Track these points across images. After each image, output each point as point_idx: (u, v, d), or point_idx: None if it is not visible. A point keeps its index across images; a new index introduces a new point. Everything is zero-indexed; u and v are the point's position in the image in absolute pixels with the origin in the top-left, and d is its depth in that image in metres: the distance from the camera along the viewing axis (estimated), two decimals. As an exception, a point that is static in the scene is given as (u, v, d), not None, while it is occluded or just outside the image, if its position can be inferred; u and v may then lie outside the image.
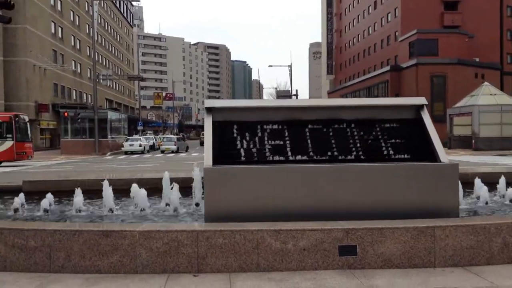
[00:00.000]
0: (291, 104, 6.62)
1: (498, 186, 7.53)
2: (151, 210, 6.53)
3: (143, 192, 6.47)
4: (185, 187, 6.95)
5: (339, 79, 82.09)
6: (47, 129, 50.78)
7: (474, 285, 4.24)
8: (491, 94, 36.66)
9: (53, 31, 51.72)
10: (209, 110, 5.97)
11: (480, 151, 32.61)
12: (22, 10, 42.74)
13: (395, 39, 57.91)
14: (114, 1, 79.94)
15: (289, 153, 5.67)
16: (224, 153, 5.63)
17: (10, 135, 25.02)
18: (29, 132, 27.36)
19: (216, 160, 5.46)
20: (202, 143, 49.15)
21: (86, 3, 62.20)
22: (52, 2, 51.73)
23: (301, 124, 5.93)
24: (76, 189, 6.55)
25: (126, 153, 40.86)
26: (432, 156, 5.79)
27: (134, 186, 6.61)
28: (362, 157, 5.74)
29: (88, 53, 62.29)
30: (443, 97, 45.76)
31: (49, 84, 49.90)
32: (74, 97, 57.69)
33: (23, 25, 44.20)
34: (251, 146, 5.71)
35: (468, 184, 7.46)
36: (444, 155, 5.77)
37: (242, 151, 5.67)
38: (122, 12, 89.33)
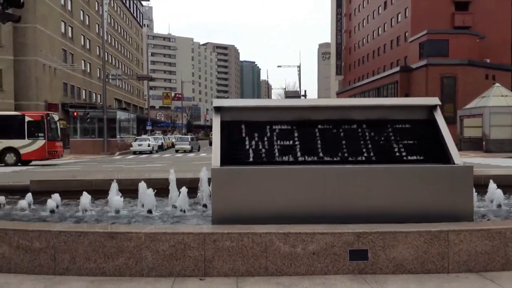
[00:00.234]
0: (300, 104, 6.50)
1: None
2: (158, 212, 6.44)
3: (150, 192, 6.38)
4: (193, 187, 6.86)
5: (348, 79, 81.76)
6: (57, 129, 50.95)
7: (490, 292, 4.10)
8: (502, 96, 36.24)
9: (63, 30, 51.96)
10: (218, 109, 5.87)
11: (491, 153, 32.23)
12: (32, 9, 42.95)
13: (405, 39, 57.52)
14: (124, 1, 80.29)
15: (299, 154, 5.55)
16: (232, 154, 5.52)
17: (42, 134, 25.16)
18: (59, 131, 27.51)
19: (224, 160, 5.35)
20: (211, 143, 50.91)
21: (96, 3, 62.48)
22: (62, 2, 51.98)
23: (311, 124, 5.80)
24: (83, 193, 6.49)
25: (134, 153, 40.96)
26: (446, 158, 5.64)
27: (142, 186, 6.52)
28: (373, 158, 5.60)
29: (97, 53, 62.54)
30: (453, 98, 45.35)
31: (59, 83, 50.14)
32: (84, 97, 57.92)
33: (33, 24, 44.42)
34: (260, 146, 5.60)
35: (479, 187, 7.28)
36: (458, 157, 5.61)
37: (250, 151, 5.55)
38: (132, 12, 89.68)
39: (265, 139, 5.65)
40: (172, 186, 6.60)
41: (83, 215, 6.35)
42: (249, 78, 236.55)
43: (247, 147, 5.59)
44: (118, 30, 77.30)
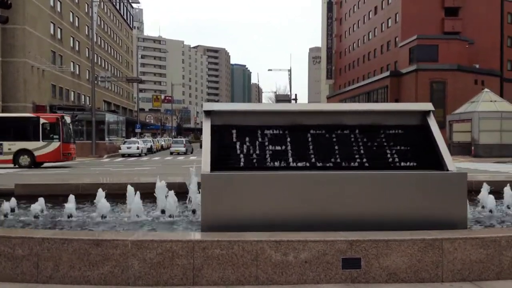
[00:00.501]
0: (293, 108, 6.39)
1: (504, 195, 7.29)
2: (146, 217, 6.28)
3: (138, 197, 6.23)
4: (182, 192, 6.72)
5: (338, 84, 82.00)
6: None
7: (486, 302, 4.01)
8: (491, 101, 36.51)
9: (52, 32, 51.46)
10: (208, 113, 5.74)
11: (480, 158, 32.42)
12: (21, 11, 42.49)
13: (395, 44, 57.82)
14: (114, 3, 79.81)
15: (290, 160, 5.43)
16: (222, 159, 5.39)
17: (57, 136, 25.05)
18: (72, 133, 27.45)
19: (214, 165, 5.22)
20: (202, 146, 52.24)
21: (86, 5, 61.99)
22: (51, 3, 51.49)
23: (303, 129, 5.69)
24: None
25: (123, 155, 40.62)
26: (439, 164, 5.56)
27: (130, 190, 6.35)
28: (366, 164, 5.51)
29: (87, 55, 62.03)
30: (443, 103, 45.62)
31: (47, 85, 49.60)
32: (72, 99, 57.38)
33: (22, 25, 43.92)
34: (251, 151, 5.47)
35: (470, 193, 7.21)
36: (452, 163, 5.54)
37: (241, 156, 5.43)
38: (122, 14, 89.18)
39: (257, 144, 5.53)
40: (161, 192, 6.43)
41: (68, 221, 6.17)
42: (240, 81, 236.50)
43: (238, 152, 5.46)
44: (108, 32, 76.80)
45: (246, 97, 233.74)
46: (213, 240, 4.39)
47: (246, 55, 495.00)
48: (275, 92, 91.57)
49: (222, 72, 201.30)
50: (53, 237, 4.46)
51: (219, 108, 5.86)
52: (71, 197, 6.34)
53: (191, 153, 47.13)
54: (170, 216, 6.20)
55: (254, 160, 5.41)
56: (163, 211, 6.35)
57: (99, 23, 65.15)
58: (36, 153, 24.69)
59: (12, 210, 6.65)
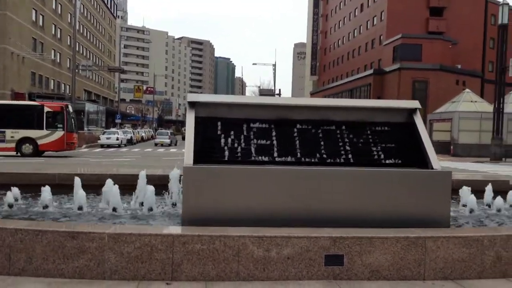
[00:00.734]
0: (279, 102, 6.27)
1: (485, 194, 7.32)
2: (124, 210, 6.11)
3: (116, 189, 6.05)
4: (163, 185, 6.57)
5: (322, 80, 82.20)
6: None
7: (468, 302, 3.98)
8: (471, 101, 37.00)
9: (34, 18, 50.37)
10: (192, 104, 5.59)
11: (459, 157, 32.82)
12: (2, -4, 41.49)
13: (380, 42, 58.12)
14: (97, -9, 78.50)
15: (276, 154, 5.33)
16: (206, 152, 5.25)
17: (61, 125, 24.77)
18: (74, 122, 27.11)
19: (197, 158, 5.09)
20: (184, 138, 53.10)
21: (69, -8, 60.85)
22: (33, -11, 50.41)
23: (289, 123, 5.59)
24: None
25: (102, 146, 40.09)
26: (424, 162, 5.53)
27: (108, 182, 6.18)
28: (351, 161, 5.44)
29: (68, 43, 60.91)
30: (424, 102, 46.01)
31: (27, 72, 48.60)
32: (52, 87, 56.35)
33: (3, 11, 42.90)
34: (236, 145, 5.35)
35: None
36: (437, 162, 5.50)
37: (225, 150, 5.30)
38: (105, 2, 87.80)
39: (241, 137, 5.41)
40: (140, 184, 6.27)
41: (43, 211, 5.98)
42: (224, 74, 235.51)
43: (222, 145, 5.33)
44: (90, 20, 75.54)
45: (230, 90, 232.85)
46: (194, 234, 4.27)
47: (232, 48, 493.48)
48: (259, 87, 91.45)
49: (206, 64, 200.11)
50: (27, 228, 4.28)
51: (204, 100, 5.71)
52: (47, 188, 6.13)
53: (175, 145, 47.40)
54: (149, 209, 6.04)
55: (239, 154, 5.29)
56: (142, 204, 6.20)
57: (82, 10, 64.02)
58: (39, 142, 24.42)
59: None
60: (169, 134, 48.84)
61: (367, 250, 4.45)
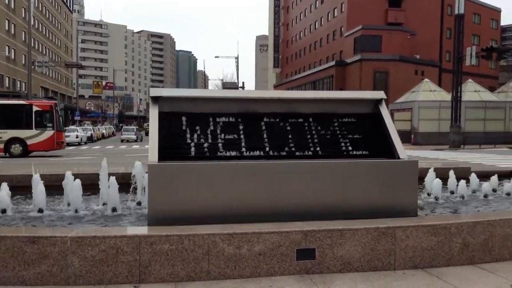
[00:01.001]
0: (246, 95, 6.15)
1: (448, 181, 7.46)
2: (86, 211, 5.87)
3: (78, 189, 5.80)
4: (126, 183, 6.35)
5: (285, 72, 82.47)
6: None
7: (439, 290, 4.00)
8: (430, 91, 37.95)
9: (-16, 13, 48.30)
10: (155, 99, 5.41)
11: (419, 145, 33.66)
12: (-51, -11, 39.51)
13: (341, 34, 58.72)
14: (52, -15, 75.95)
15: (244, 149, 5.23)
16: (171, 148, 5.09)
17: (50, 125, 24.05)
18: (62, 121, 26.46)
19: (162, 155, 4.93)
20: (147, 133, 53.58)
21: (22, -15, 58.63)
22: (-17, -17, 48.26)
23: (256, 117, 5.49)
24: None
25: (61, 144, 38.91)
26: (391, 152, 5.56)
27: (68, 179, 5.90)
28: (320, 153, 5.40)
29: (23, 39, 58.74)
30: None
31: (-21, 69, 46.62)
32: (7, 85, 54.26)
33: (-50, 5, 40.90)
34: (202, 140, 5.21)
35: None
36: (403, 151, 5.55)
37: (191, 145, 5.15)
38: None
39: (208, 132, 5.27)
40: (103, 182, 6.03)
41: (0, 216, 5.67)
42: (185, 68, 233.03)
43: (188, 140, 5.18)
44: (46, 15, 73.06)
45: (192, 84, 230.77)
46: (162, 234, 4.12)
47: (193, 42, 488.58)
48: (222, 80, 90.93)
49: (167, 58, 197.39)
50: (-18, 234, 4.03)
51: (168, 94, 5.53)
52: (4, 187, 5.80)
53: (141, 140, 47.81)
54: (113, 210, 5.83)
55: (205, 149, 5.16)
56: (105, 204, 5.98)
57: (36, 5, 61.79)
58: (28, 142, 23.66)
59: None
60: (135, 130, 49.78)
61: (338, 243, 4.43)
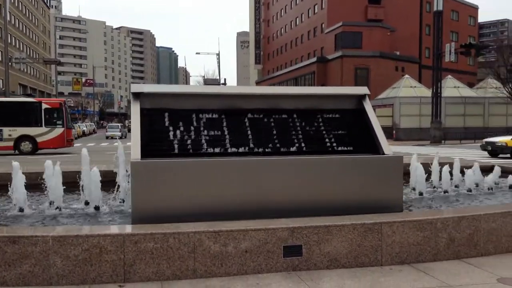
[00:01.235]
0: (229, 91, 6.08)
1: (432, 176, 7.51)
2: (68, 210, 5.74)
3: (59, 187, 5.67)
4: (108, 181, 6.23)
5: (267, 69, 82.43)
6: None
7: (426, 286, 4.01)
8: (411, 87, 38.38)
9: (-42, 8, 47.10)
10: (137, 95, 5.30)
11: (401, 141, 34.03)
12: None
13: (322, 30, 58.89)
14: (29, -21, 74.45)
15: (227, 145, 5.16)
16: (154, 145, 5.01)
17: (60, 122, 24.09)
18: (70, 118, 26.49)
19: (145, 152, 4.83)
20: (129, 130, 54.37)
21: (-3, -20, 57.32)
22: (-44, -24, 47.00)
23: (240, 113, 5.43)
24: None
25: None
26: (375, 148, 5.56)
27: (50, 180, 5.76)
28: (304, 149, 5.37)
29: (0, 35, 57.55)
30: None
31: (-47, 66, 45.47)
32: (-16, 82, 53.15)
33: None
34: (185, 137, 5.13)
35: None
36: (388, 147, 5.55)
37: (175, 142, 5.07)
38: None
39: (191, 129, 5.19)
40: (85, 180, 5.90)
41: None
42: (166, 64, 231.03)
43: (171, 137, 5.10)
44: (22, 10, 71.61)
45: (173, 80, 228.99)
46: (146, 233, 4.04)
47: (173, 38, 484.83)
48: (204, 76, 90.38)
49: (147, 55, 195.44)
50: (-41, 235, 3.90)
51: (150, 90, 5.43)
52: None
53: (125, 137, 48.18)
54: (95, 208, 5.71)
55: (189, 146, 5.08)
56: (87, 203, 5.85)
57: (12, 0, 60.59)
58: (38, 139, 23.64)
59: None
60: (120, 127, 51.62)
61: (325, 239, 4.41)
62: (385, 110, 37.43)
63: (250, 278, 4.16)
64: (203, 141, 5.13)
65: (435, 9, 32.82)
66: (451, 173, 7.41)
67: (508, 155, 18.92)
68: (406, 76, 40.79)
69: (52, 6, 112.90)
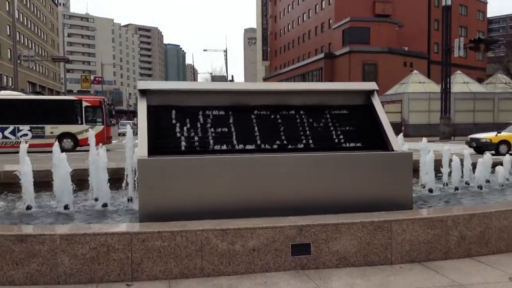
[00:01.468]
0: (236, 87, 6.03)
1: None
2: (76, 208, 5.74)
3: (69, 185, 5.67)
4: (116, 178, 6.24)
5: (274, 65, 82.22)
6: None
7: (437, 284, 3.95)
8: (420, 82, 38.09)
9: (-33, 7, 47.42)
10: (143, 92, 5.27)
11: (410, 137, 33.71)
12: None
13: (329, 26, 58.60)
14: (37, -23, 74.76)
15: (235, 142, 5.12)
16: (161, 142, 4.97)
17: (100, 120, 24.78)
18: (109, 116, 27.14)
19: (152, 150, 4.81)
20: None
21: (6, -22, 57.63)
22: (-34, -25, 47.32)
23: (247, 110, 5.38)
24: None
25: (51, 139, 38.68)
26: (384, 144, 5.48)
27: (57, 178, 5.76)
28: (312, 146, 5.31)
29: (8, 32, 57.82)
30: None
31: (-37, 64, 45.81)
32: (-7, 79, 53.54)
33: None
34: (192, 134, 5.09)
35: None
36: (397, 143, 5.48)
37: (182, 139, 5.03)
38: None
39: (198, 125, 5.15)
40: (92, 178, 5.90)
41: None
42: (174, 62, 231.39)
43: (178, 135, 5.06)
44: (30, 8, 71.99)
45: (181, 78, 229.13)
46: (154, 231, 4.02)
47: (181, 35, 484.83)
48: (211, 73, 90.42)
49: (155, 52, 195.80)
50: (-33, 234, 3.90)
51: (156, 87, 5.40)
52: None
53: (137, 134, 48.80)
54: (104, 205, 5.71)
55: (196, 143, 5.04)
56: (96, 199, 5.85)
57: (20, -2, 60.89)
58: (79, 137, 24.20)
59: None
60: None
61: (334, 237, 4.36)
62: (394, 106, 37.20)
63: (258, 276, 4.13)
64: (210, 138, 5.09)
65: (443, 3, 32.50)
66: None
67: (493, 152, 18.73)
68: (415, 71, 40.49)
69: (60, 3, 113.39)
